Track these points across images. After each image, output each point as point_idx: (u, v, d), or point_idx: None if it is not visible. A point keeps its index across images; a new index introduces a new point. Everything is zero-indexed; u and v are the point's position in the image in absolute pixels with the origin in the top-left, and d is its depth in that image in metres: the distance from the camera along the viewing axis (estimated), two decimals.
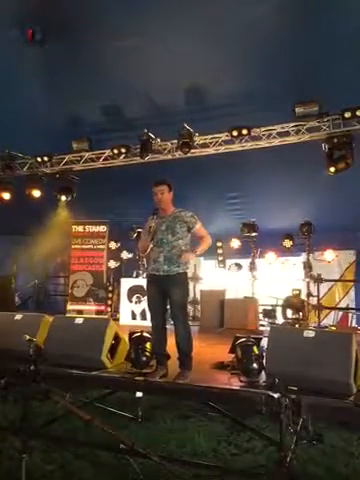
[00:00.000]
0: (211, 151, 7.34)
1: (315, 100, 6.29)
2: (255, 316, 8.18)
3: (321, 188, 7.58)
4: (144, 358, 4.20)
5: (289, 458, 2.01)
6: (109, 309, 9.53)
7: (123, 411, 3.09)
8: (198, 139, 7.26)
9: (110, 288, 9.63)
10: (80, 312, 9.19)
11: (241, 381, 3.84)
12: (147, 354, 4.21)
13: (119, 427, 2.79)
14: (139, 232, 9.39)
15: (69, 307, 9.56)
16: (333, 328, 8.28)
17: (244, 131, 6.81)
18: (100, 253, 9.75)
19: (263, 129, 6.89)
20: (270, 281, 9.83)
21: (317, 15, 5.60)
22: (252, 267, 9.58)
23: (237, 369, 4.00)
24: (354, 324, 8.95)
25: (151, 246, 4.04)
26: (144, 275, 9.15)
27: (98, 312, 9.36)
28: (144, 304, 8.23)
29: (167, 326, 4.05)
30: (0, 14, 6.07)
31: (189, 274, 10.20)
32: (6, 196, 8.79)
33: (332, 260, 8.94)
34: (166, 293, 3.90)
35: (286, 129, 6.81)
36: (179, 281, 3.90)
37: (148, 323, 4.15)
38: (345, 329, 8.28)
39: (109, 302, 9.59)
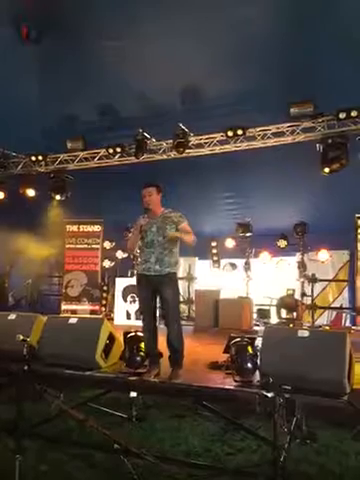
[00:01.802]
0: (206, 151, 7.35)
1: (310, 101, 6.32)
2: (249, 316, 8.20)
3: (315, 188, 7.62)
4: (138, 358, 4.20)
5: (283, 457, 2.02)
6: (103, 309, 9.50)
7: (117, 411, 3.09)
8: (193, 139, 7.26)
9: (105, 288, 9.60)
10: (74, 312, 9.15)
11: (235, 381, 3.85)
12: (141, 354, 4.20)
13: (113, 427, 2.79)
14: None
15: (63, 307, 9.53)
16: (327, 328, 8.32)
17: (239, 131, 6.83)
18: (94, 253, 9.72)
19: (258, 129, 6.91)
20: (264, 281, 9.84)
21: (312, 16, 5.62)
22: (247, 267, 9.59)
23: (231, 369, 4.01)
24: (348, 324, 8.99)
25: (139, 244, 4.08)
26: None
27: (92, 312, 9.33)
28: None
29: (158, 325, 4.06)
30: None
31: (184, 274, 10.21)
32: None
33: (326, 260, 8.96)
34: (157, 293, 3.92)
35: (281, 129, 6.84)
36: (170, 281, 3.93)
37: (141, 322, 4.14)
38: (339, 329, 8.32)
39: (103, 302, 9.55)
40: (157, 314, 4.10)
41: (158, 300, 4.01)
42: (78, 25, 6.31)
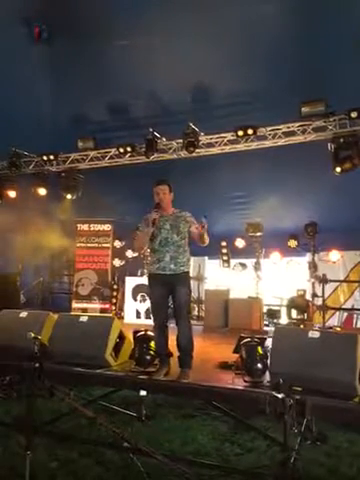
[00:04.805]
0: (216, 151, 7.33)
1: (321, 100, 6.26)
2: (259, 316, 8.16)
3: (326, 188, 7.55)
4: (148, 357, 4.21)
5: (293, 458, 2.00)
6: (114, 307, 9.55)
7: (127, 409, 3.10)
8: (203, 138, 7.25)
9: (115, 286, 9.65)
10: (85, 310, 9.21)
11: (245, 381, 3.84)
12: (151, 353, 4.21)
13: (123, 425, 2.79)
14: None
15: (74, 305, 9.60)
16: (338, 329, 8.25)
17: (250, 131, 6.79)
18: (105, 251, 9.77)
19: (269, 129, 6.87)
20: (275, 281, 9.80)
21: (323, 14, 5.58)
22: (257, 267, 9.55)
23: (241, 369, 4.00)
24: (359, 325, 8.91)
25: (147, 245, 4.01)
26: None
27: (103, 310, 9.38)
28: (149, 303, 8.22)
29: (169, 325, 4.06)
30: (7, 13, 6.10)
31: (193, 273, 10.20)
32: (12, 194, 8.85)
33: (337, 261, 8.89)
34: (171, 292, 3.90)
35: (292, 129, 6.79)
36: (184, 280, 3.92)
37: (152, 322, 4.15)
38: (350, 330, 8.24)
39: (114, 300, 9.61)
40: (168, 314, 4.09)
41: (170, 299, 3.99)
42: (89, 26, 6.34)
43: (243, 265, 10.36)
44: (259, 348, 4.00)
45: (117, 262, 9.99)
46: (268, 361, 3.82)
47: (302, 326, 7.65)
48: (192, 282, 9.80)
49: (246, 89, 6.54)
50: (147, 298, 8.34)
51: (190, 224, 3.94)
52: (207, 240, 3.88)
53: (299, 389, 2.18)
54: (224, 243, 10.07)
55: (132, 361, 4.32)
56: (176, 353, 3.98)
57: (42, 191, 8.56)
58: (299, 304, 8.25)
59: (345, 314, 9.18)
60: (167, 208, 4.00)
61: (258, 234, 9.26)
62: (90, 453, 2.57)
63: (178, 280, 3.87)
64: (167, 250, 3.89)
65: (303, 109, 6.31)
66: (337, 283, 9.27)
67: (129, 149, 7.68)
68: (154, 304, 4.06)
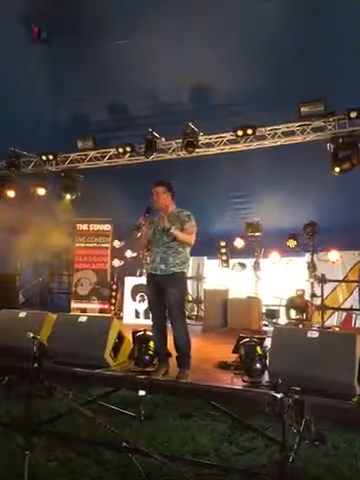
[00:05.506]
0: (216, 150, 7.33)
1: (320, 100, 6.27)
2: (258, 316, 8.16)
3: (326, 188, 7.56)
4: (147, 357, 4.21)
5: (291, 458, 2.00)
6: (113, 307, 9.54)
7: (126, 409, 3.10)
8: (203, 138, 7.25)
9: (114, 286, 9.64)
10: (84, 310, 9.20)
11: (244, 381, 3.84)
12: (150, 353, 4.21)
13: (122, 425, 2.80)
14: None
15: (73, 305, 9.59)
16: (337, 329, 8.25)
17: (249, 131, 6.79)
18: (104, 251, 9.76)
19: (268, 128, 6.87)
20: (274, 281, 9.80)
21: (323, 14, 5.59)
22: (256, 267, 9.54)
23: (240, 369, 4.00)
24: (358, 325, 8.91)
25: (146, 245, 4.07)
26: None
27: (102, 310, 9.37)
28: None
29: (167, 324, 4.06)
30: (7, 12, 6.10)
31: (193, 273, 10.18)
32: (11, 194, 8.85)
33: (336, 261, 8.89)
34: (163, 292, 3.90)
35: (291, 129, 6.80)
36: (175, 280, 3.89)
37: (151, 321, 4.16)
38: (349, 330, 8.25)
39: (113, 300, 9.59)
40: (166, 313, 4.09)
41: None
42: (89, 25, 6.35)
43: (242, 265, 10.36)
44: (258, 348, 4.00)
45: (116, 262, 9.98)
46: (267, 361, 3.82)
47: (301, 326, 7.66)
48: (191, 282, 9.85)
49: (245, 89, 6.55)
50: (146, 298, 8.35)
51: (183, 224, 3.90)
52: (184, 239, 3.87)
53: (298, 389, 2.19)
54: (223, 243, 10.07)
55: (131, 361, 4.32)
56: (175, 353, 3.99)
57: (41, 191, 8.57)
58: (298, 304, 8.25)
59: (344, 314, 9.19)
60: (162, 209, 3.99)
61: (257, 234, 9.26)
62: (89, 453, 2.57)
63: (167, 281, 3.87)
64: (158, 251, 3.94)
65: (302, 109, 6.31)
66: (336, 283, 9.27)
67: (128, 149, 7.68)
68: (150, 304, 4.11)
